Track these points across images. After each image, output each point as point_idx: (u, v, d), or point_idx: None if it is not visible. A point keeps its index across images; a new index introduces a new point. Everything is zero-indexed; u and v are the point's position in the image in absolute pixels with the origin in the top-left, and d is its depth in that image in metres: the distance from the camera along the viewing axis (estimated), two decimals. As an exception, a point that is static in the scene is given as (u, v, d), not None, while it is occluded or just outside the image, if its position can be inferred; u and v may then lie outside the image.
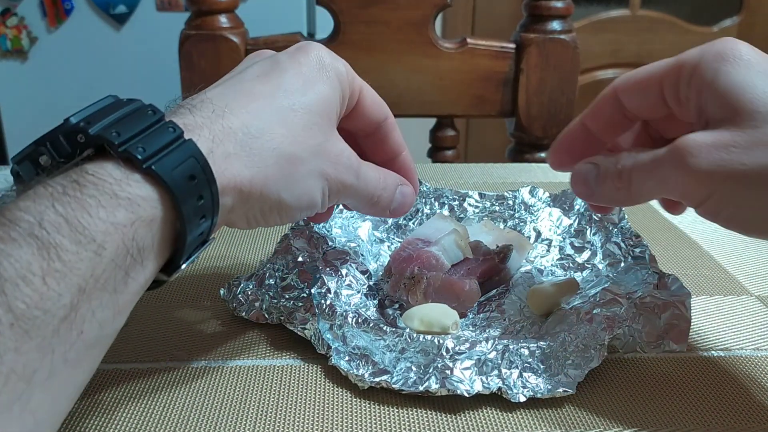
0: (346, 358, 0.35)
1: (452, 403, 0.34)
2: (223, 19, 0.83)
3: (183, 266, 0.29)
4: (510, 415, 0.33)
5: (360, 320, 0.37)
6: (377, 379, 0.34)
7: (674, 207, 0.38)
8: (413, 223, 0.50)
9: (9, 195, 0.26)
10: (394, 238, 0.49)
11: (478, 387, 0.33)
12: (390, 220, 0.50)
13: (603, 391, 0.35)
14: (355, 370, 0.35)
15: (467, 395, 0.33)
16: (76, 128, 0.27)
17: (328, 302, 0.37)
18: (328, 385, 0.35)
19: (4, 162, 1.90)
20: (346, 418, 0.33)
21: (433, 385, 0.33)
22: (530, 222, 0.50)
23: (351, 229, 0.47)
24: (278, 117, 0.32)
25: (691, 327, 0.38)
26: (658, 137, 0.37)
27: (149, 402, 0.34)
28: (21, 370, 0.22)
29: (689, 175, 0.30)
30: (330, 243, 0.43)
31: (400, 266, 0.41)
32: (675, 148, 0.31)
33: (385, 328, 0.36)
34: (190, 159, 0.28)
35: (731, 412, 0.34)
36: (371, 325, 0.36)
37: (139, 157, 0.26)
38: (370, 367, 0.35)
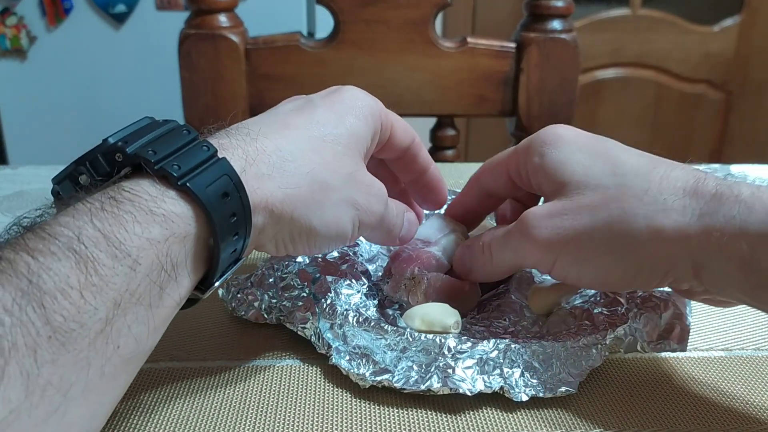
0: (347, 357, 0.35)
1: (453, 404, 0.34)
2: (222, 19, 0.83)
3: (216, 284, 0.30)
4: (510, 415, 0.33)
5: (361, 319, 0.37)
6: (378, 378, 0.34)
7: None
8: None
9: (48, 212, 0.27)
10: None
11: (480, 386, 0.33)
12: None
13: (603, 391, 0.35)
14: (355, 370, 0.34)
15: (469, 394, 0.33)
16: (114, 148, 0.28)
17: (328, 302, 0.37)
18: (328, 385, 0.35)
19: (4, 161, 1.90)
20: (346, 419, 0.33)
21: (435, 384, 0.33)
22: None
23: None
24: (310, 144, 0.33)
25: (692, 327, 0.38)
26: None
27: (148, 402, 0.34)
28: (58, 382, 0.23)
29: (534, 244, 0.34)
30: None
31: (400, 267, 0.41)
32: (519, 222, 0.35)
33: (386, 327, 0.36)
34: (224, 177, 0.28)
35: (731, 412, 0.34)
36: (372, 324, 0.36)
37: (174, 174, 0.27)
38: (371, 366, 0.34)
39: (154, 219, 0.26)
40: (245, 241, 0.30)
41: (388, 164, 0.41)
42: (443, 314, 0.38)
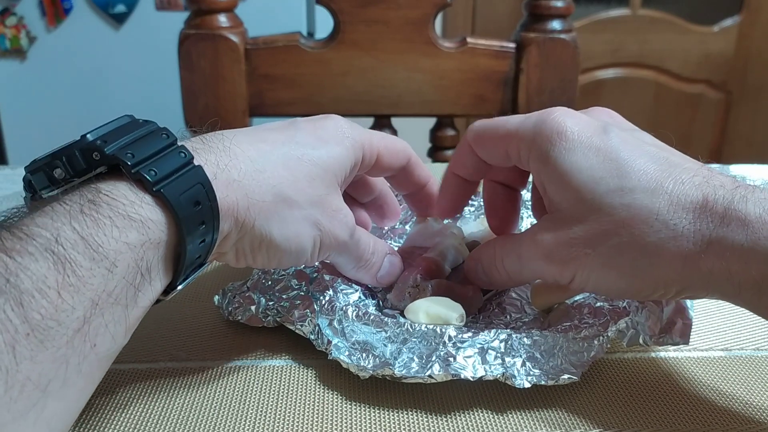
0: (347, 352, 0.35)
1: (452, 404, 0.34)
2: (222, 19, 0.83)
3: (180, 287, 0.31)
4: (509, 415, 0.33)
5: (360, 313, 0.37)
6: (379, 370, 0.34)
7: None
8: (409, 227, 0.50)
9: (22, 209, 0.27)
10: (391, 243, 0.49)
11: (481, 373, 0.33)
12: None
13: (603, 390, 0.35)
14: (356, 363, 0.34)
15: (471, 380, 0.33)
16: (93, 146, 0.28)
17: (327, 298, 0.37)
18: (328, 386, 0.35)
19: (3, 161, 1.90)
20: (345, 419, 0.33)
21: (437, 371, 0.33)
22: (527, 218, 0.50)
23: None
24: (283, 161, 0.33)
25: (692, 327, 0.38)
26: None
27: (148, 402, 0.34)
28: (36, 378, 0.23)
29: (550, 266, 0.34)
30: None
31: (401, 275, 0.41)
32: (532, 248, 0.35)
33: (386, 320, 0.36)
34: (197, 185, 0.29)
35: (731, 412, 0.34)
36: (372, 317, 0.36)
37: (150, 180, 0.28)
38: (372, 360, 0.34)
39: (131, 224, 0.27)
40: (211, 247, 0.30)
41: (387, 179, 0.42)
42: (447, 308, 0.38)
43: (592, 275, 0.33)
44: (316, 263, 0.40)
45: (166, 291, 0.30)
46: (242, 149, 0.32)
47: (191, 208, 0.28)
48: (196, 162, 0.30)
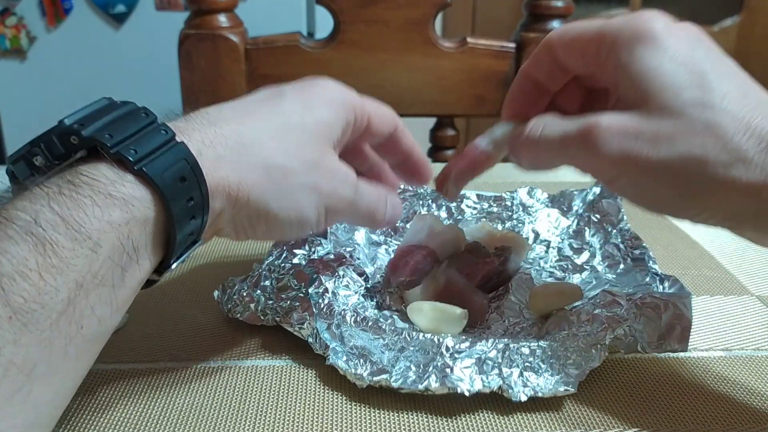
0: (344, 357, 0.35)
1: (451, 405, 0.34)
2: (222, 19, 0.83)
3: (173, 266, 0.30)
4: (509, 416, 0.33)
5: (358, 319, 0.36)
6: (376, 378, 0.34)
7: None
8: (409, 226, 0.50)
9: (5, 196, 0.27)
10: (391, 241, 0.49)
11: (478, 386, 0.33)
12: None
13: (603, 391, 0.35)
14: (353, 370, 0.34)
15: (467, 394, 0.33)
16: (70, 130, 0.28)
17: (326, 302, 0.37)
18: (328, 386, 0.35)
19: (3, 161, 1.90)
20: (345, 419, 0.33)
21: (433, 383, 0.33)
22: (528, 223, 0.50)
23: (348, 232, 0.47)
24: (271, 132, 0.33)
25: (692, 327, 0.38)
26: (592, 88, 0.38)
27: (148, 401, 0.34)
28: (21, 362, 0.23)
29: (597, 157, 0.31)
30: (326, 246, 0.42)
31: (396, 278, 0.41)
32: (586, 129, 0.31)
33: (384, 326, 0.36)
34: (181, 161, 0.28)
35: (731, 412, 0.34)
36: (370, 324, 0.36)
37: (131, 159, 0.27)
38: (369, 366, 0.34)
39: (113, 203, 0.26)
40: (203, 224, 0.30)
41: (372, 147, 0.41)
42: (451, 320, 0.38)
43: (642, 179, 0.31)
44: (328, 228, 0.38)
45: (159, 271, 0.30)
46: (227, 124, 0.31)
47: (177, 183, 0.28)
48: (178, 139, 0.29)
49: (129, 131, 0.28)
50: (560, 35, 0.36)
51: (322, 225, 0.35)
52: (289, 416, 0.33)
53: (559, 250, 0.48)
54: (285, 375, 0.36)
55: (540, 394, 0.33)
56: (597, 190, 0.49)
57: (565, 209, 0.50)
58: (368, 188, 0.37)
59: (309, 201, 0.33)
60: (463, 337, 0.36)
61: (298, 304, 0.38)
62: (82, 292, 0.25)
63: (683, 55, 0.31)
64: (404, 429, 0.32)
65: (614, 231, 0.45)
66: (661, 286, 0.39)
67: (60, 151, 0.28)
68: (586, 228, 0.47)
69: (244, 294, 0.40)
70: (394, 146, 0.40)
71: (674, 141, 0.30)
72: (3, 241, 0.24)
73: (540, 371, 0.34)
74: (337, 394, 0.35)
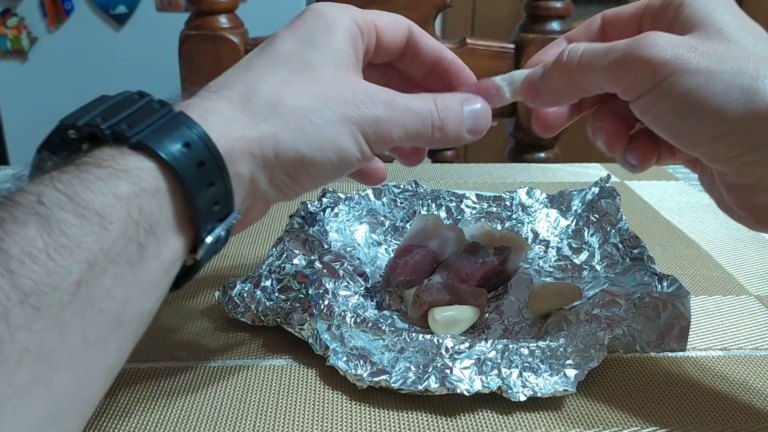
0: (344, 358, 0.35)
1: (451, 405, 0.34)
2: (223, 20, 0.84)
3: (208, 240, 0.28)
4: (509, 416, 0.33)
5: (358, 320, 0.37)
6: (376, 379, 0.34)
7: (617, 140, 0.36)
8: (410, 225, 0.50)
9: (14, 183, 0.26)
10: (391, 241, 0.49)
11: (477, 386, 0.33)
12: (387, 223, 0.50)
13: (603, 390, 0.35)
14: (353, 370, 0.35)
15: (467, 394, 0.33)
16: (66, 125, 0.27)
17: (326, 303, 0.37)
18: (328, 386, 0.35)
19: (5, 162, 1.90)
20: (346, 419, 0.33)
21: (433, 384, 0.33)
22: (528, 223, 0.50)
23: (348, 232, 0.47)
24: (277, 78, 0.31)
25: (690, 327, 0.38)
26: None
27: (149, 401, 0.34)
28: (36, 348, 0.22)
29: (645, 60, 0.30)
30: (326, 246, 0.43)
31: (396, 278, 0.41)
32: (639, 37, 0.30)
33: (383, 327, 0.36)
34: (183, 129, 0.27)
35: (730, 411, 0.34)
36: (370, 325, 0.36)
37: (127, 134, 0.26)
38: (369, 367, 0.35)
39: (119, 176, 0.25)
40: (227, 191, 0.28)
41: (398, 67, 0.38)
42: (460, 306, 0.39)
43: (678, 102, 0.29)
44: (375, 156, 0.33)
45: (196, 249, 0.28)
46: (229, 89, 0.30)
47: (180, 150, 0.26)
48: (176, 110, 0.28)
49: (124, 113, 0.27)
50: (615, 11, 0.35)
51: (369, 153, 0.32)
52: (289, 416, 0.33)
53: (558, 250, 0.48)
54: (285, 375, 0.36)
55: (539, 394, 0.33)
56: (596, 190, 0.49)
57: (564, 209, 0.50)
58: (415, 99, 0.33)
59: (341, 132, 0.31)
60: (463, 337, 0.36)
61: (298, 305, 0.38)
62: (95, 272, 0.23)
63: (737, 10, 0.32)
64: (404, 429, 0.32)
65: (613, 231, 0.45)
66: (659, 286, 0.39)
67: (63, 148, 0.27)
68: (585, 228, 0.48)
69: (245, 295, 0.40)
70: (417, 53, 0.37)
71: (726, 58, 0.29)
72: (9, 223, 0.23)
73: (539, 371, 0.34)
74: (337, 394, 0.35)
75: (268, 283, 0.40)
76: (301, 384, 0.36)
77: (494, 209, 0.52)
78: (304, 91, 0.30)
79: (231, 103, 0.29)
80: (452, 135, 0.34)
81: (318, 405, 0.34)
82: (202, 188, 0.27)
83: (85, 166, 0.25)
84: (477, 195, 0.52)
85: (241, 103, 0.29)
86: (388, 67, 0.38)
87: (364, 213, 0.49)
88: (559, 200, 0.51)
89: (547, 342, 0.35)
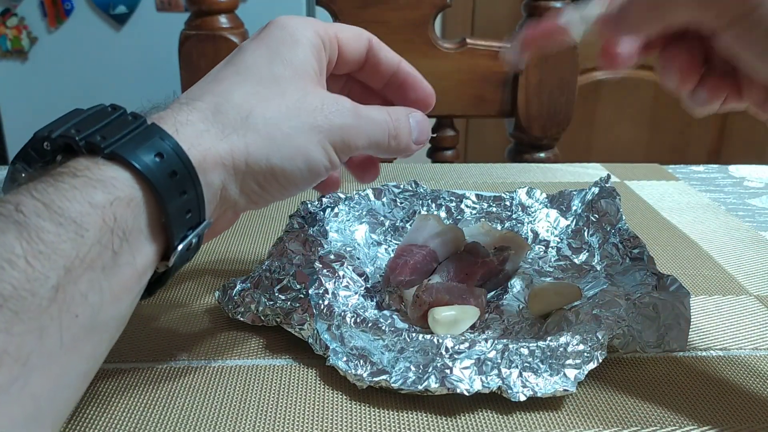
0: (344, 358, 0.35)
1: (451, 405, 0.34)
2: (223, 20, 0.84)
3: (179, 247, 0.29)
4: (509, 416, 0.33)
5: (358, 320, 0.37)
6: (376, 379, 0.34)
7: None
8: (410, 225, 0.50)
9: None
10: (391, 241, 0.49)
11: (477, 386, 0.33)
12: (387, 223, 0.50)
13: (602, 391, 0.35)
14: (353, 370, 0.35)
15: (467, 394, 0.33)
16: (41, 137, 0.28)
17: (326, 302, 0.37)
18: (328, 385, 0.35)
19: (4, 162, 1.90)
20: (346, 419, 0.33)
21: (433, 384, 0.33)
22: (527, 223, 0.50)
23: (348, 232, 0.47)
24: (247, 90, 0.32)
25: (690, 327, 0.38)
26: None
27: (149, 401, 0.34)
28: (15, 351, 0.23)
29: None
30: (326, 246, 0.43)
31: (396, 278, 0.41)
32: None
33: (383, 327, 0.36)
34: (155, 139, 0.28)
35: (730, 411, 0.34)
36: (369, 325, 0.36)
37: (101, 145, 0.27)
38: (369, 367, 0.35)
39: (94, 185, 0.26)
40: (198, 200, 0.29)
41: (358, 78, 0.39)
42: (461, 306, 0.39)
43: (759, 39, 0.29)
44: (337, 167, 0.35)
45: (168, 256, 0.29)
46: (199, 100, 0.31)
47: (153, 160, 0.27)
48: (149, 122, 0.29)
49: (97, 125, 0.28)
50: None
51: (336, 162, 0.33)
52: (289, 416, 0.33)
53: (558, 250, 0.48)
54: (285, 374, 0.36)
55: (539, 394, 0.33)
56: (596, 190, 0.49)
57: (564, 209, 0.50)
58: (374, 110, 0.35)
59: (311, 141, 0.32)
60: (463, 337, 0.36)
61: (298, 305, 0.38)
62: (72, 278, 0.24)
63: None
64: (404, 429, 0.32)
65: (613, 231, 0.46)
66: (659, 286, 0.39)
67: (37, 160, 0.28)
68: (585, 228, 0.48)
69: (245, 295, 0.40)
70: (376, 65, 0.38)
71: None
72: None
73: (539, 371, 0.34)
74: (337, 394, 0.35)
75: (268, 283, 0.40)
76: (301, 384, 0.36)
77: (494, 209, 0.52)
78: (274, 103, 0.32)
79: (202, 114, 0.30)
80: (403, 144, 0.36)
81: (318, 405, 0.34)
82: (175, 197, 0.28)
83: (60, 176, 0.26)
84: (477, 195, 0.53)
85: (212, 114, 0.30)
86: (349, 77, 0.40)
87: (364, 213, 0.49)
88: (559, 200, 0.51)
89: (547, 342, 0.35)
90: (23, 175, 0.28)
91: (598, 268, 0.44)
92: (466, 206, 0.52)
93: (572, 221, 0.49)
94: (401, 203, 0.51)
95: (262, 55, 0.33)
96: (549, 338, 0.36)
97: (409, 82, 0.39)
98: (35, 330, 0.23)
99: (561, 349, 0.35)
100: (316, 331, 0.37)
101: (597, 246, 0.46)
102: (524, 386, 0.33)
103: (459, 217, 0.52)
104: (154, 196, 0.28)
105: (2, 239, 0.24)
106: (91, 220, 0.25)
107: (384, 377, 0.34)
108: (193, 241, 0.30)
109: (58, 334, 0.24)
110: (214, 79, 0.33)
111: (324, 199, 0.48)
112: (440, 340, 0.35)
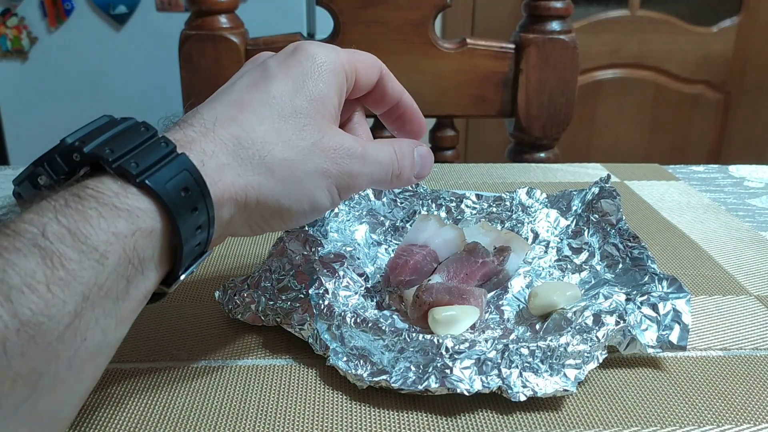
0: (344, 358, 0.35)
1: (451, 405, 0.34)
2: (223, 20, 0.84)
3: (182, 277, 0.30)
4: (509, 416, 0.33)
5: (358, 320, 0.37)
6: (376, 379, 0.34)
7: None
8: (410, 225, 0.50)
9: (13, 211, 0.27)
10: (391, 241, 0.49)
11: (477, 386, 0.33)
12: (387, 223, 0.50)
13: (602, 390, 0.35)
14: (353, 370, 0.35)
15: (467, 394, 0.33)
16: (72, 148, 0.28)
17: (326, 302, 0.37)
18: (328, 385, 0.35)
19: (5, 162, 1.90)
20: (346, 419, 0.33)
21: (433, 384, 0.33)
22: (528, 223, 0.50)
23: (348, 232, 0.47)
24: (268, 125, 0.32)
25: (691, 327, 0.38)
26: None
27: (150, 401, 0.34)
28: (27, 374, 0.23)
29: None
30: (326, 246, 0.43)
31: (396, 277, 0.41)
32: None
33: (383, 327, 0.36)
34: (183, 172, 0.29)
35: (730, 411, 0.34)
36: (370, 325, 0.36)
37: (133, 172, 0.27)
38: (369, 367, 0.35)
39: (119, 214, 0.26)
40: (209, 234, 0.30)
41: (361, 101, 0.40)
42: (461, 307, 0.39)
43: None
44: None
45: (168, 283, 0.30)
46: (224, 128, 0.31)
47: (179, 194, 0.28)
48: (179, 151, 0.29)
49: (130, 145, 0.28)
50: None
51: (338, 202, 0.35)
52: (289, 416, 0.33)
53: (558, 250, 0.48)
54: (285, 374, 0.36)
55: (539, 395, 0.33)
56: (596, 190, 0.49)
57: (564, 209, 0.50)
58: (383, 150, 0.36)
59: (318, 186, 0.33)
60: (463, 337, 0.36)
61: (298, 305, 0.38)
62: (89, 305, 0.25)
63: None
64: (404, 429, 0.32)
65: (613, 231, 0.46)
66: (659, 286, 0.39)
67: (63, 169, 0.28)
68: (585, 228, 0.48)
69: (245, 295, 0.40)
70: (383, 93, 0.39)
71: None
72: (11, 253, 0.24)
73: (539, 371, 0.34)
74: (337, 394, 0.35)
75: (268, 283, 0.40)
76: (301, 384, 0.36)
77: (494, 209, 0.52)
78: (291, 143, 0.32)
79: (225, 147, 0.31)
80: (405, 179, 0.38)
81: (318, 405, 0.34)
82: (191, 231, 0.29)
83: (88, 201, 0.26)
84: (477, 195, 0.53)
85: (234, 147, 0.31)
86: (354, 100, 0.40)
87: (364, 213, 0.50)
88: (559, 200, 0.51)
89: (547, 342, 0.35)
90: (42, 177, 0.28)
91: (598, 268, 0.44)
92: (467, 206, 0.52)
93: (572, 221, 0.49)
94: (401, 203, 0.51)
95: (288, 85, 0.33)
96: (549, 338, 0.36)
97: (407, 114, 0.41)
98: (49, 354, 0.24)
99: (561, 349, 0.35)
100: (316, 331, 0.37)
101: (597, 246, 0.46)
102: (524, 386, 0.33)
103: (459, 217, 0.52)
104: (172, 227, 0.28)
105: (24, 264, 0.24)
106: (113, 249, 0.26)
107: (384, 377, 0.34)
108: (194, 269, 0.31)
109: (67, 357, 0.25)
110: (240, 102, 0.33)
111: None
112: (440, 340, 0.35)
